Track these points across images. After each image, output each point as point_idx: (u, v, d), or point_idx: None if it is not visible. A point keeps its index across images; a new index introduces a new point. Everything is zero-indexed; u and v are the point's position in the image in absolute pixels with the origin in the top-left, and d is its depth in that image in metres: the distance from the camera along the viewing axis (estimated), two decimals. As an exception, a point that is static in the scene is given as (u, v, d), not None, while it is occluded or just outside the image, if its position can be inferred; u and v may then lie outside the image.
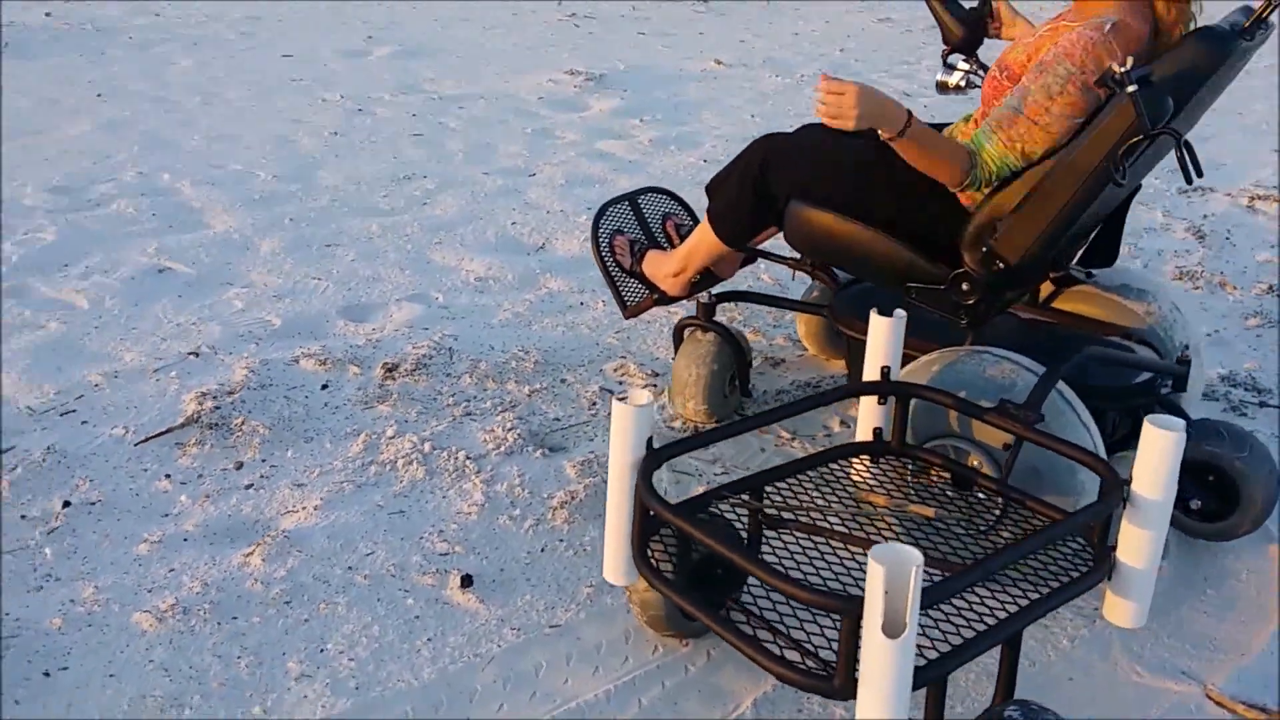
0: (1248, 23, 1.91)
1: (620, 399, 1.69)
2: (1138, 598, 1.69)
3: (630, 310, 2.68)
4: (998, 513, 1.92)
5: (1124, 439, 2.29)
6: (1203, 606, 2.11)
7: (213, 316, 3.16)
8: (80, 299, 3.24)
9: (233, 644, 1.93)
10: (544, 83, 5.86)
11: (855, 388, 2.01)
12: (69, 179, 4.23)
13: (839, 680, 1.41)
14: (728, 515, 1.98)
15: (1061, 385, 2.02)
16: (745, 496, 1.89)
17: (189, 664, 1.88)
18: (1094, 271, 2.36)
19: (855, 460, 2.04)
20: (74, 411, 2.65)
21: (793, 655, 1.65)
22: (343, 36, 6.87)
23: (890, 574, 1.30)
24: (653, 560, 1.70)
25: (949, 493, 2.02)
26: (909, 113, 2.03)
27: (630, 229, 2.78)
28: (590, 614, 2.03)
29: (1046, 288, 2.51)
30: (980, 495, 1.98)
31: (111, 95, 5.45)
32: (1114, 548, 1.69)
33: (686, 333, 2.67)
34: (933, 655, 1.49)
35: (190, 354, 2.93)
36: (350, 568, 2.13)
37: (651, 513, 1.67)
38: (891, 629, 1.31)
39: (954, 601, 1.64)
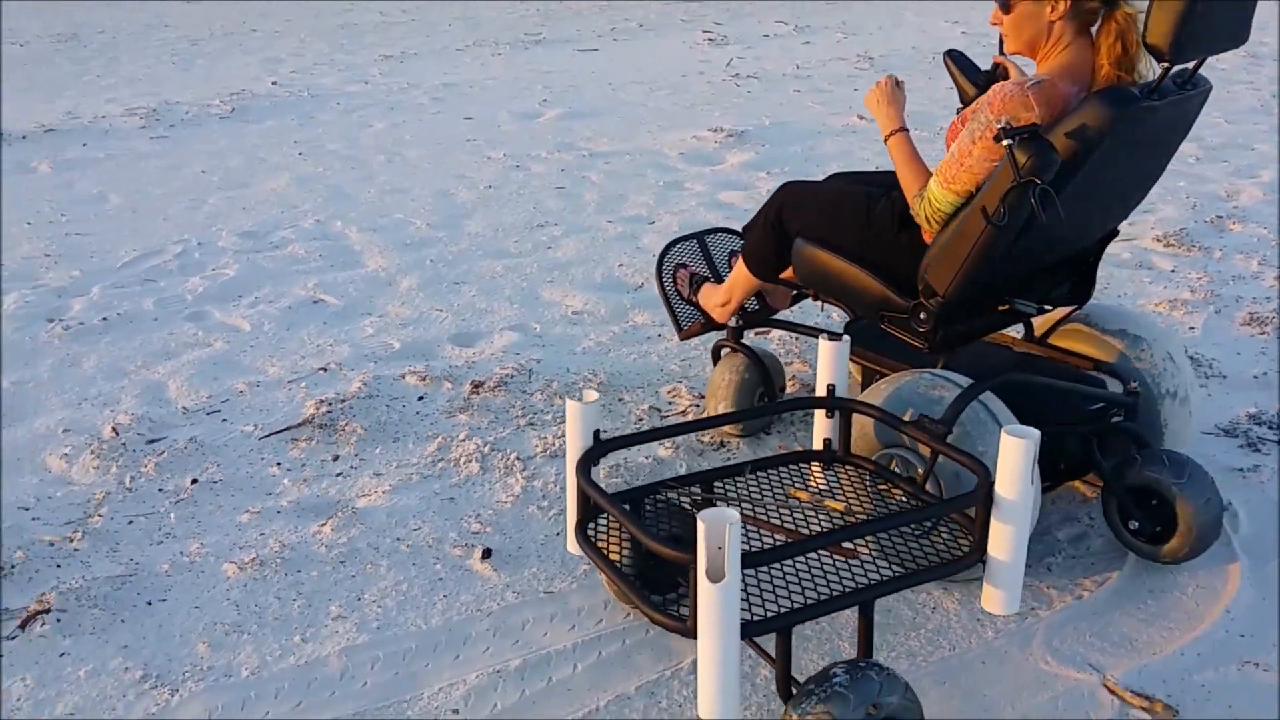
0: (1155, 84, 2.12)
1: (573, 399, 2.08)
2: (1005, 587, 1.94)
3: (683, 333, 3.09)
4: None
5: (1084, 463, 2.49)
6: (1138, 614, 2.29)
7: (346, 340, 3.73)
8: (244, 324, 3.89)
9: (291, 590, 2.42)
10: (688, 139, 6.31)
11: (802, 401, 2.32)
12: (258, 225, 4.97)
13: (690, 622, 1.75)
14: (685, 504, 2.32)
15: (997, 404, 2.27)
16: (695, 488, 2.23)
17: (255, 603, 2.38)
18: (1047, 308, 2.55)
19: (808, 465, 2.35)
20: (218, 411, 3.24)
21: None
22: (522, 101, 7.55)
23: (711, 531, 1.63)
24: (591, 535, 2.08)
25: (904, 497, 2.30)
26: (899, 128, 2.44)
27: (695, 263, 3.18)
28: (582, 586, 2.41)
29: (1043, 324, 2.72)
30: (926, 499, 2.26)
31: (310, 154, 6.26)
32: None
33: (723, 351, 3.03)
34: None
35: (320, 369, 3.50)
36: (398, 539, 2.59)
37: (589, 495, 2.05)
38: (714, 575, 1.65)
39: (826, 573, 1.95)
